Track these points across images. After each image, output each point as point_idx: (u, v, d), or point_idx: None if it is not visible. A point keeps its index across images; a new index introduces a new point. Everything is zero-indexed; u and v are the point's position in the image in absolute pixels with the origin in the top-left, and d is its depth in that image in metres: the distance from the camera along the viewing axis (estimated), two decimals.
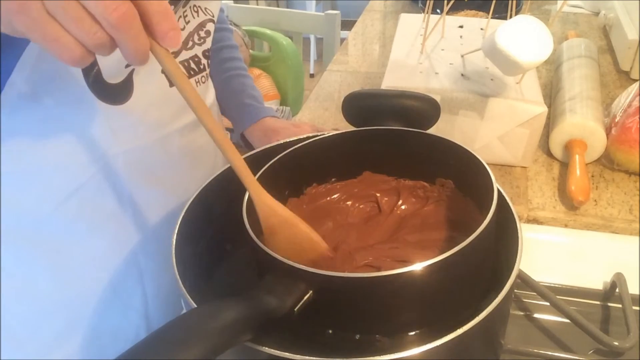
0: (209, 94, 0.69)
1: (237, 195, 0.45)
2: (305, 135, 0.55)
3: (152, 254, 0.61)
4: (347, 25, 1.57)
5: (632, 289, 0.56)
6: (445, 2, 0.83)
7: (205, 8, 0.61)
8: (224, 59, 0.83)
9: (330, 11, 1.73)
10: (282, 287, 0.37)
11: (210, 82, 0.69)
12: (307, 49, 2.92)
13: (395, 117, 0.53)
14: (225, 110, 0.82)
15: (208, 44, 0.63)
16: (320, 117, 0.96)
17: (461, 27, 0.92)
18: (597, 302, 0.58)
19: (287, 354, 0.35)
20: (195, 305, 0.39)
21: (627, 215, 0.70)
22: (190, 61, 0.60)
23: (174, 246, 0.45)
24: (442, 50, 0.86)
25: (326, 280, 0.37)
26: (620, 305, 0.55)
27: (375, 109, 0.55)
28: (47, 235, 0.54)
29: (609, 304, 0.58)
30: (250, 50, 1.77)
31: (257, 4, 2.94)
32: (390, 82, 0.78)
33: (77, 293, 0.57)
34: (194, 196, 0.50)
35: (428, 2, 0.83)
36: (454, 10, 1.05)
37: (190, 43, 0.60)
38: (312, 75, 3.05)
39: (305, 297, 0.37)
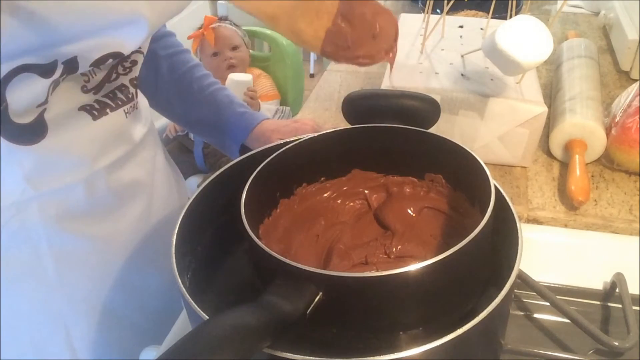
0: (140, 124, 0.62)
1: (236, 195, 0.45)
2: (305, 135, 0.55)
3: (81, 311, 0.56)
4: None
5: (632, 289, 0.56)
6: (445, 2, 0.83)
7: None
8: (199, 77, 0.79)
9: None
10: (294, 290, 0.37)
11: (141, 111, 0.63)
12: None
13: (395, 117, 0.53)
14: (217, 123, 0.80)
15: (135, 72, 0.58)
16: (320, 117, 0.96)
17: (461, 27, 0.92)
18: (597, 302, 0.58)
19: (287, 354, 0.35)
20: (196, 305, 0.39)
21: (627, 215, 0.70)
22: (117, 91, 0.55)
23: (174, 246, 0.45)
24: (442, 50, 0.86)
25: (336, 280, 0.37)
26: (620, 305, 0.54)
27: (375, 109, 0.55)
28: None
29: (609, 304, 0.58)
30: (250, 50, 1.77)
31: None
32: (390, 82, 0.78)
33: None
34: (194, 196, 0.50)
35: (428, 2, 0.83)
36: (454, 10, 1.05)
37: (114, 75, 0.55)
38: (312, 75, 3.05)
39: (316, 299, 0.37)
